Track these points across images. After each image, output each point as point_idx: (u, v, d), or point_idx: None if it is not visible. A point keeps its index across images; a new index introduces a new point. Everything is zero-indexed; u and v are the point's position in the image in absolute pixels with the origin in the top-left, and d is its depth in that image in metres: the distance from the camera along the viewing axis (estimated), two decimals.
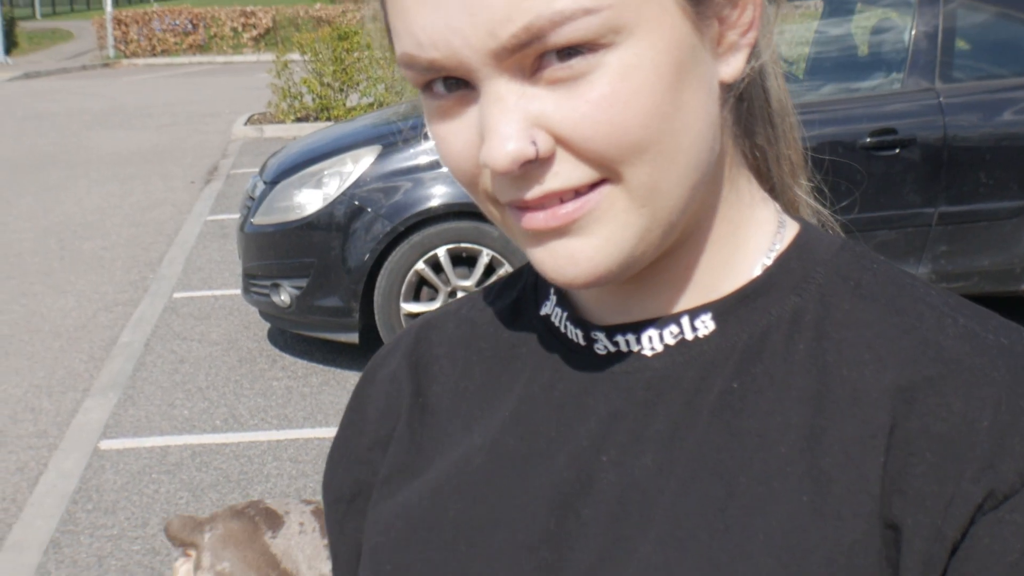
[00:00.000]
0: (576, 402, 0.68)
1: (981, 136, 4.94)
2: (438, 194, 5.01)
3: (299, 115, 12.87)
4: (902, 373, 0.60)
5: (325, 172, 5.23)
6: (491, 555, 0.66)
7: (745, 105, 0.68)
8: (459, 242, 5.06)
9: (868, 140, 4.83)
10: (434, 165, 5.01)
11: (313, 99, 12.62)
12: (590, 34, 0.55)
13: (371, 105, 12.02)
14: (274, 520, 2.21)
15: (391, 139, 5.23)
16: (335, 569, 0.80)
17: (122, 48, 25.41)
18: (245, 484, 4.24)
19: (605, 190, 0.59)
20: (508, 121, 0.56)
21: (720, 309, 0.66)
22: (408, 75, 0.60)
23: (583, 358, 0.69)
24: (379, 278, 5.08)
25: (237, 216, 6.09)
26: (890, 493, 0.58)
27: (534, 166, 0.58)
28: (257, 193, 5.51)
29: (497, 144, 0.56)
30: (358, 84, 12.45)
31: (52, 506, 4.14)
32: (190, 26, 25.95)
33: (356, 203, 5.08)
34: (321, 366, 5.43)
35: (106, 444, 4.64)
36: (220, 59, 25.24)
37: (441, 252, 5.06)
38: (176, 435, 4.71)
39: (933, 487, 0.57)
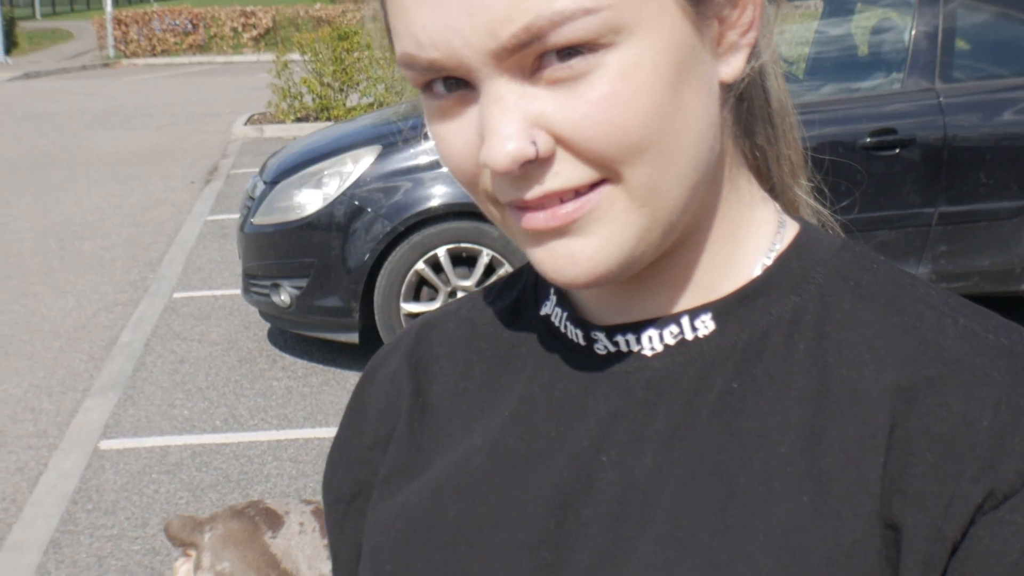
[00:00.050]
0: (576, 402, 0.68)
1: (981, 136, 4.94)
2: (438, 194, 5.01)
3: (299, 115, 12.87)
4: (902, 373, 0.60)
5: (325, 172, 5.23)
6: (491, 555, 0.66)
7: (745, 105, 0.68)
8: (459, 242, 5.06)
9: (868, 140, 4.83)
10: (434, 165, 5.01)
11: (313, 99, 12.63)
12: (590, 34, 0.55)
13: (371, 105, 12.02)
14: (274, 520, 2.21)
15: (391, 139, 5.23)
16: (335, 569, 0.80)
17: (122, 48, 25.41)
18: (245, 484, 4.24)
19: (605, 190, 0.59)
20: (508, 121, 0.56)
21: (720, 309, 0.66)
22: (408, 75, 0.60)
23: (583, 358, 0.69)
24: (379, 278, 5.08)
25: (237, 216, 6.10)
26: (890, 493, 0.58)
27: (534, 166, 0.58)
28: (257, 193, 5.51)
29: (497, 144, 0.56)
30: (358, 84, 12.45)
31: (52, 506, 4.14)
32: (190, 26, 25.95)
33: (356, 203, 5.08)
34: (321, 366, 5.43)
35: (106, 444, 4.64)
36: (220, 59, 25.25)
37: (441, 252, 5.06)
38: (176, 435, 4.71)
39: (933, 487, 0.57)
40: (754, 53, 0.65)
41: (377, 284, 5.08)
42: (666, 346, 0.66)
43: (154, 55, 25.59)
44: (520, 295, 0.76)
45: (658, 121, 0.57)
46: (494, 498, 0.67)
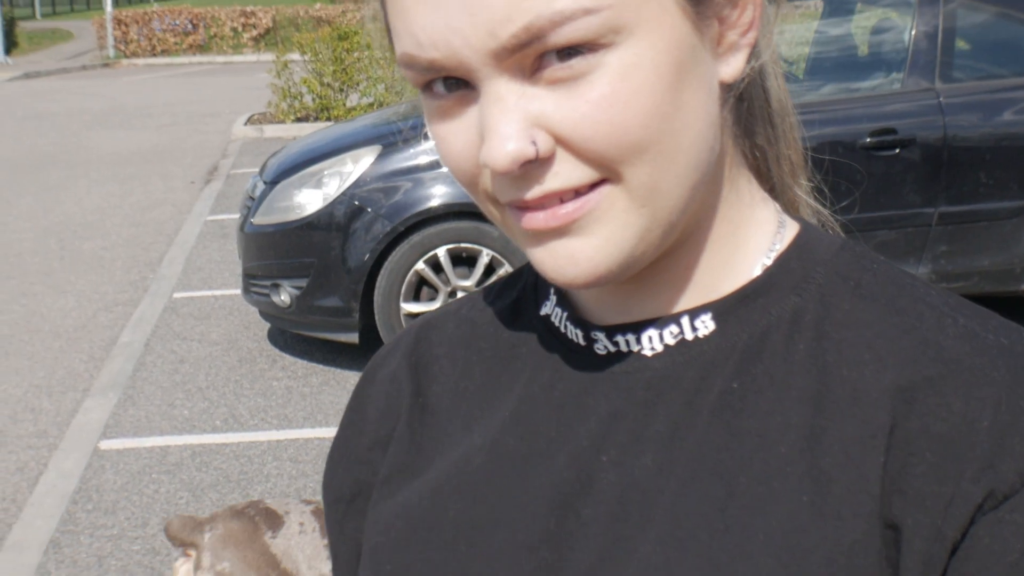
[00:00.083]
0: (576, 402, 0.68)
1: (981, 136, 4.94)
2: (438, 194, 5.01)
3: (299, 115, 12.87)
4: (902, 373, 0.60)
5: (325, 172, 5.23)
6: (491, 555, 0.66)
7: (745, 105, 0.68)
8: (459, 242, 5.06)
9: (868, 140, 4.83)
10: (434, 165, 5.01)
11: (313, 99, 12.63)
12: (590, 34, 0.55)
13: (371, 105, 12.02)
14: (274, 520, 2.21)
15: (391, 139, 5.23)
16: (335, 569, 0.80)
17: (122, 48, 25.41)
18: (245, 484, 4.24)
19: (605, 190, 0.59)
20: (508, 121, 0.56)
21: (720, 309, 0.66)
22: (408, 75, 0.60)
23: (583, 358, 0.69)
24: (379, 278, 5.08)
25: (237, 216, 6.10)
26: (890, 493, 0.58)
27: (534, 166, 0.58)
28: (257, 193, 5.51)
29: (497, 144, 0.56)
30: (358, 84, 12.45)
31: (52, 506, 4.14)
32: (190, 26, 25.95)
33: (356, 203, 5.08)
34: (321, 366, 5.43)
35: (106, 444, 4.64)
36: (220, 59, 25.25)
37: (441, 252, 5.06)
38: (176, 435, 4.71)
39: (933, 487, 0.57)
40: (754, 53, 0.65)
41: (377, 284, 5.08)
42: (666, 346, 0.66)
43: (154, 55, 25.59)
44: (520, 295, 0.76)
45: (658, 121, 0.57)
46: (494, 498, 0.67)
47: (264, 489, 4.19)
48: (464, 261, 5.13)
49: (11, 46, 26.54)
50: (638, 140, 0.57)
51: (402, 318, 5.08)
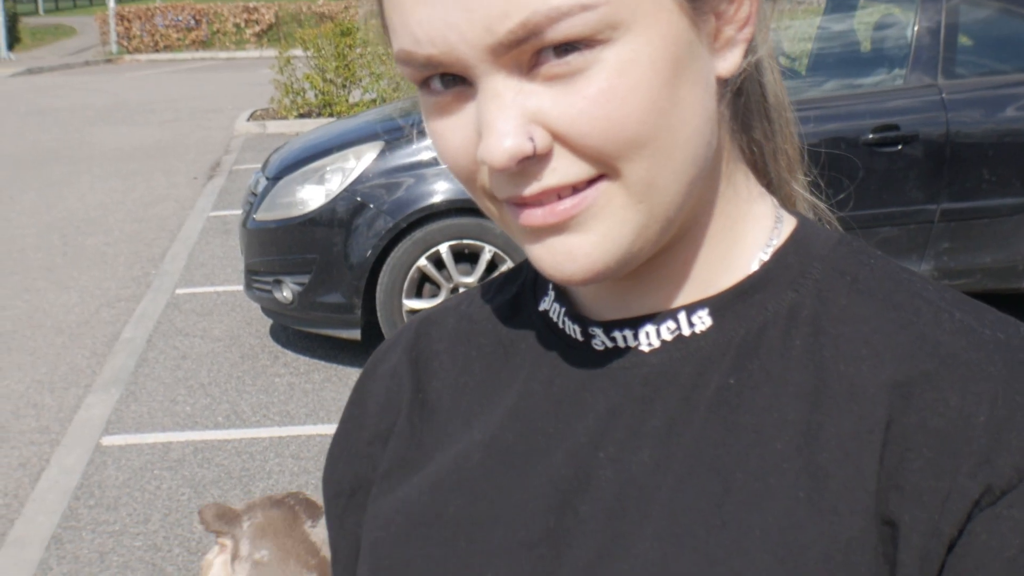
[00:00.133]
0: (574, 398, 0.68)
1: (984, 132, 4.93)
2: (440, 190, 5.00)
3: (302, 111, 12.87)
4: (899, 368, 0.60)
5: (327, 168, 5.23)
6: (490, 551, 0.66)
7: (742, 100, 0.68)
8: (461, 238, 5.06)
9: (871, 136, 4.82)
10: (436, 161, 5.00)
11: (316, 95, 12.63)
12: (587, 30, 0.55)
13: (374, 101, 12.02)
14: (313, 510, 2.20)
15: (393, 135, 5.23)
16: (334, 563, 0.81)
17: (125, 44, 25.42)
18: (247, 480, 4.25)
19: (603, 186, 0.59)
20: (505, 117, 0.56)
21: (717, 305, 0.66)
22: (405, 71, 0.60)
23: (581, 354, 0.69)
24: (381, 274, 5.08)
25: (239, 212, 6.10)
26: (887, 489, 0.58)
27: (532, 162, 0.58)
28: (259, 189, 5.51)
29: (494, 140, 0.56)
30: (361, 80, 12.45)
31: (54, 502, 4.15)
32: (193, 22, 25.96)
33: (358, 199, 5.08)
34: (323, 362, 5.44)
35: (108, 440, 4.64)
36: (223, 55, 25.26)
37: (443, 248, 5.06)
38: (178, 431, 4.71)
39: (930, 483, 0.57)
40: (751, 48, 0.64)
41: (379, 280, 5.08)
42: (663, 342, 0.66)
43: (157, 51, 25.60)
44: (519, 291, 0.76)
45: (655, 117, 0.57)
46: (493, 494, 0.67)
47: (266, 486, 4.19)
48: (466, 257, 5.13)
49: (14, 42, 26.55)
50: (635, 136, 0.57)
51: (404, 314, 5.08)
